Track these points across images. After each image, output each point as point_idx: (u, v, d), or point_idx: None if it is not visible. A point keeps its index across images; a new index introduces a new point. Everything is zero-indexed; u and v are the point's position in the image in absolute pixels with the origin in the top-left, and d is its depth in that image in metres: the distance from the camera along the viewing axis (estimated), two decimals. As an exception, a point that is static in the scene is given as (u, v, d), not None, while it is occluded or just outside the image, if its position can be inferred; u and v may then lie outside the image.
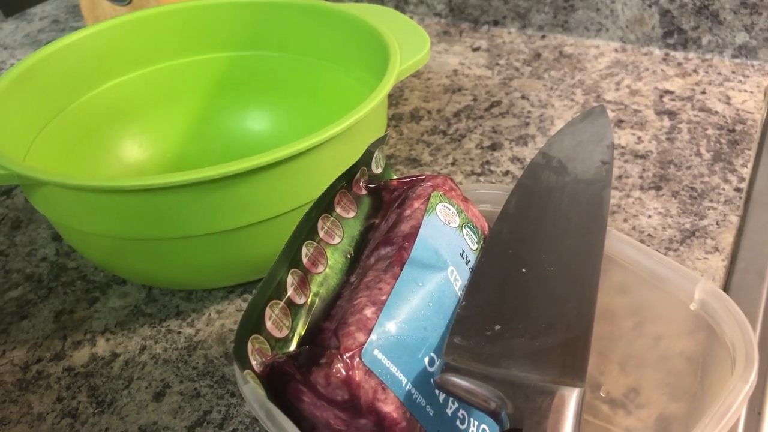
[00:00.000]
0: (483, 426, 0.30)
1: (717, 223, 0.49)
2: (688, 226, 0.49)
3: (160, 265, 0.42)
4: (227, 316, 0.45)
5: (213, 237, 0.40)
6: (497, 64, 0.69)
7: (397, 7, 0.79)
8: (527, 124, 0.60)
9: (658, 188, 0.52)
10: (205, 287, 0.47)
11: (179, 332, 0.45)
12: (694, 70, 0.66)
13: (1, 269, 0.51)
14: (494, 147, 0.58)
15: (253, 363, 0.26)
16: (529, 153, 0.57)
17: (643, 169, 0.54)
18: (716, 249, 0.46)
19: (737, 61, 0.66)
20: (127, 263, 0.43)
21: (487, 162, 0.56)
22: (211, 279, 0.45)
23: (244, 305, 0.46)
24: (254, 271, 0.44)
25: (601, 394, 0.37)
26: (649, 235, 0.48)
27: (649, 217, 0.50)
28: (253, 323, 0.27)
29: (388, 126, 0.61)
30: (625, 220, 0.49)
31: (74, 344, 0.44)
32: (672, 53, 0.69)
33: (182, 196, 0.38)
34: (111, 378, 0.42)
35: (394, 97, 0.65)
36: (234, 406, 0.40)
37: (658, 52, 0.69)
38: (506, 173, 0.55)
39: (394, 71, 0.44)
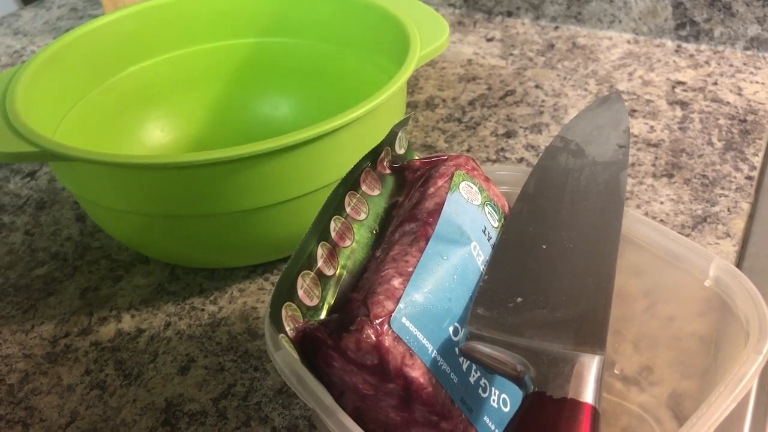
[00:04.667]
0: (504, 395, 0.31)
1: (728, 210, 0.49)
2: (699, 212, 0.50)
3: (185, 243, 0.44)
4: (249, 294, 0.46)
5: (238, 215, 0.41)
6: (511, 54, 0.70)
7: (411, -2, 0.80)
8: (541, 112, 0.61)
9: (671, 176, 0.53)
10: (228, 266, 0.48)
11: (203, 309, 0.46)
12: (706, 62, 0.67)
13: (27, 248, 0.52)
14: (509, 135, 0.59)
15: (287, 328, 0.28)
16: (543, 141, 0.58)
17: (656, 157, 0.55)
18: (727, 234, 0.47)
19: (749, 53, 0.67)
20: (153, 241, 0.45)
21: (502, 149, 0.57)
22: (234, 257, 0.46)
23: (266, 284, 0.47)
24: (276, 250, 0.46)
25: (615, 372, 0.39)
26: (661, 220, 0.49)
27: (662, 203, 0.51)
28: (286, 291, 0.28)
29: (407, 113, 0.62)
30: (638, 206, 0.50)
31: (100, 320, 0.46)
32: (684, 45, 0.69)
33: (209, 174, 0.39)
34: (137, 352, 0.43)
35: (410, 86, 0.66)
36: (257, 379, 0.41)
37: (670, 44, 0.70)
38: (521, 160, 0.56)
39: (414, 57, 0.45)
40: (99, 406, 0.40)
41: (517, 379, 0.27)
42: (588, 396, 0.25)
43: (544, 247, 0.32)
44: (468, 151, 0.57)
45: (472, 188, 0.34)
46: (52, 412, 0.40)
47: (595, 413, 0.25)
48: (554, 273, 0.31)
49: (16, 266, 0.51)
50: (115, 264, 0.50)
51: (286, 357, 0.28)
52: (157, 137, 0.56)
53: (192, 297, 0.47)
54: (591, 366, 0.26)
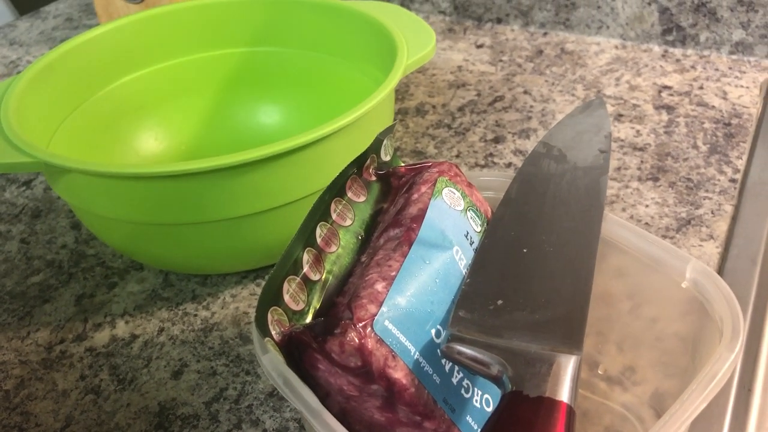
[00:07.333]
0: (486, 396, 0.32)
1: (712, 212, 0.50)
2: (684, 215, 0.50)
3: (178, 250, 0.44)
4: (241, 299, 0.47)
5: (228, 222, 0.42)
6: (500, 61, 0.71)
7: (402, 5, 0.81)
8: (529, 118, 0.62)
9: (656, 179, 0.54)
10: (220, 272, 0.49)
11: (195, 315, 0.47)
12: (692, 66, 0.68)
13: (23, 256, 0.53)
14: (497, 140, 0.60)
15: (273, 333, 0.28)
16: (531, 146, 0.59)
17: (642, 161, 0.56)
18: (711, 237, 0.48)
19: (734, 57, 0.68)
20: (146, 248, 0.45)
21: (491, 154, 0.58)
22: (226, 264, 0.47)
23: (257, 290, 0.48)
24: (267, 256, 0.46)
25: (599, 372, 0.39)
26: (646, 223, 0.50)
27: (647, 206, 0.51)
28: (272, 296, 0.29)
29: (395, 120, 0.63)
30: (624, 210, 0.51)
31: (95, 326, 0.46)
32: (671, 50, 0.70)
33: (200, 182, 0.40)
34: (131, 357, 0.44)
35: (400, 92, 0.67)
36: (249, 383, 0.42)
37: (657, 49, 0.71)
38: (509, 165, 0.57)
39: (401, 65, 0.46)
40: (93, 410, 0.41)
41: (496, 379, 0.27)
42: (564, 395, 0.26)
43: (524, 251, 0.33)
44: (457, 156, 0.58)
45: (454, 194, 0.34)
46: (47, 417, 0.41)
47: (570, 411, 0.25)
48: (534, 276, 0.32)
49: (12, 274, 0.51)
50: (110, 271, 0.51)
51: (273, 360, 0.29)
52: (151, 146, 0.57)
53: (185, 303, 0.47)
54: (567, 366, 0.27)
